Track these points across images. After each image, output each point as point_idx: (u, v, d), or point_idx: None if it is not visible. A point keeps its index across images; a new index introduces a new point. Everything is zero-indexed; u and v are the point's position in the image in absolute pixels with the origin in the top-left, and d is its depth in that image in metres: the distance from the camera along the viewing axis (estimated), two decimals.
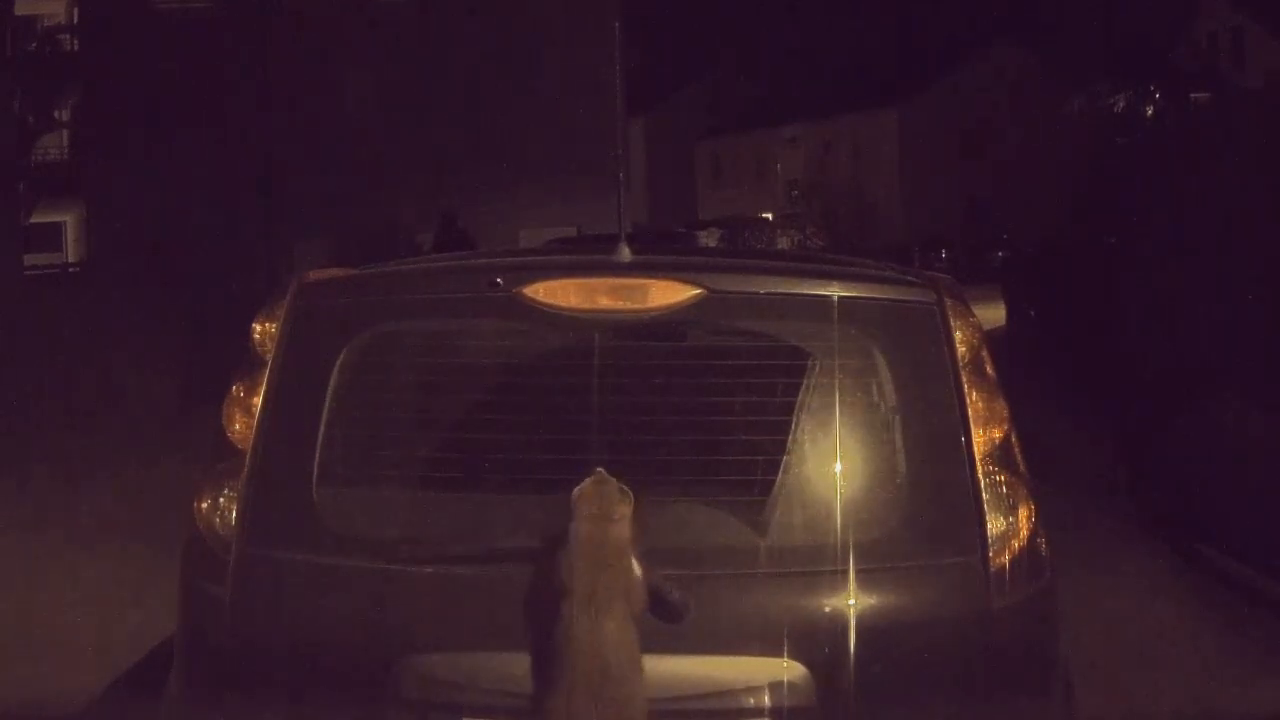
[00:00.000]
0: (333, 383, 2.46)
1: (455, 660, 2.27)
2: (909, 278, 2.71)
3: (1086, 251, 13.65)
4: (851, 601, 2.27)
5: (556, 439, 2.40)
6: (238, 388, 2.53)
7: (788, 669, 2.23)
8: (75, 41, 28.93)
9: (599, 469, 2.20)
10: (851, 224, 40.92)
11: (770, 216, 43.85)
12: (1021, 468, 2.45)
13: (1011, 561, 2.34)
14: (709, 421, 2.41)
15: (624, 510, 2.15)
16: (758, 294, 2.50)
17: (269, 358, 2.52)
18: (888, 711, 2.27)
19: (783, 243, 36.73)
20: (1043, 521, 2.42)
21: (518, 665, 2.25)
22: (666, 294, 2.45)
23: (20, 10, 25.13)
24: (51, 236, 28.52)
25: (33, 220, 26.35)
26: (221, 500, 2.46)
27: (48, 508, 7.40)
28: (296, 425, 2.45)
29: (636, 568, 2.16)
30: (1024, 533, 2.38)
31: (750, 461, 2.35)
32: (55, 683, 4.49)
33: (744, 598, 2.29)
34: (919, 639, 2.29)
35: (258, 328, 2.57)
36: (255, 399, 2.49)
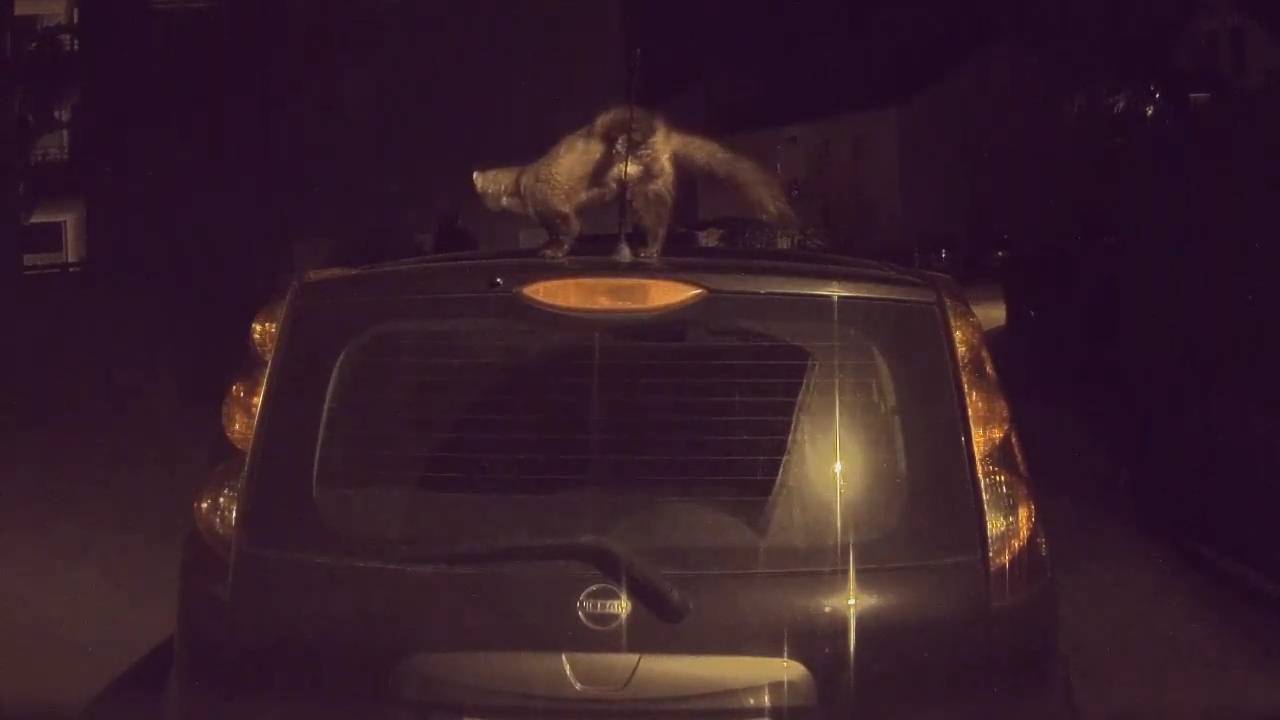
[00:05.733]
0: (333, 383, 2.46)
1: (455, 660, 2.27)
2: (909, 278, 2.71)
3: (1086, 251, 13.67)
4: (851, 601, 2.27)
5: (557, 439, 2.40)
6: (238, 388, 2.53)
7: (788, 669, 2.23)
8: (75, 41, 28.91)
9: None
10: (851, 224, 40.89)
11: None
12: (1021, 468, 2.45)
13: (1011, 561, 2.34)
14: (709, 421, 2.41)
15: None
16: (758, 294, 2.50)
17: (269, 358, 2.52)
18: (888, 711, 2.27)
19: (783, 243, 36.70)
20: (1043, 521, 2.42)
21: (518, 665, 2.26)
22: (666, 294, 2.45)
23: (20, 10, 25.13)
24: (51, 236, 28.47)
25: (33, 220, 26.32)
26: (221, 500, 2.45)
27: (47, 507, 7.40)
28: (296, 425, 2.45)
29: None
30: (1024, 533, 2.37)
31: (750, 461, 2.35)
32: (55, 683, 4.49)
33: (744, 598, 2.29)
34: (919, 639, 2.29)
35: (258, 328, 2.57)
36: (255, 399, 2.49)
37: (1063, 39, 37.89)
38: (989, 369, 2.50)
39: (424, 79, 24.29)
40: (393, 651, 2.28)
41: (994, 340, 2.66)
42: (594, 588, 2.25)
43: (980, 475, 2.36)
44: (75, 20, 28.86)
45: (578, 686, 2.23)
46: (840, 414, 2.37)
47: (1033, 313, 16.01)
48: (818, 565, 2.30)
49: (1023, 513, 2.39)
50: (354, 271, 2.79)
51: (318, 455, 2.42)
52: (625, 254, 2.65)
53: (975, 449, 2.38)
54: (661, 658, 2.23)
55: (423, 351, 2.55)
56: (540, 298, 2.45)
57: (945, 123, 43.78)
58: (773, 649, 2.23)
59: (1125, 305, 8.09)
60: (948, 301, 2.52)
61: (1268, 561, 5.61)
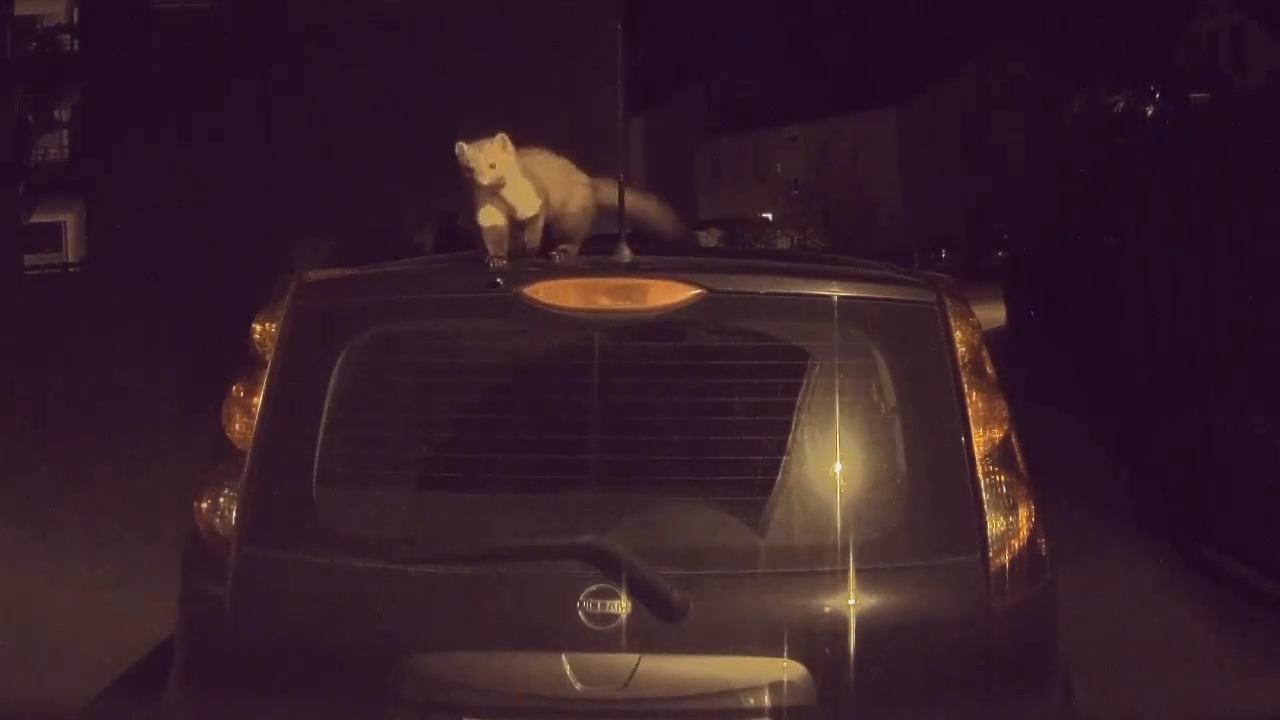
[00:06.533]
0: (332, 383, 2.46)
1: (455, 660, 2.27)
2: (909, 278, 2.71)
3: (1086, 251, 13.66)
4: (851, 601, 2.27)
5: (556, 439, 2.40)
6: (238, 388, 2.53)
7: (788, 669, 2.23)
8: (75, 41, 28.91)
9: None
10: (851, 224, 40.90)
11: (770, 216, 43.86)
12: (1021, 468, 2.45)
13: (1011, 561, 2.34)
14: (709, 421, 2.41)
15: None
16: (758, 294, 2.50)
17: (269, 358, 2.52)
18: (888, 711, 2.28)
19: (783, 243, 36.75)
20: (1043, 521, 2.42)
21: (518, 665, 2.26)
22: (666, 294, 2.45)
23: (20, 10, 25.13)
24: (51, 236, 28.47)
25: (33, 220, 26.33)
26: (221, 500, 2.45)
27: (47, 508, 7.40)
28: (296, 425, 2.45)
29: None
30: (1024, 533, 2.38)
31: (750, 461, 2.35)
32: (55, 683, 4.49)
33: (744, 598, 2.29)
34: (919, 639, 2.29)
35: (258, 328, 2.57)
36: (255, 399, 2.49)
37: (1063, 39, 37.92)
38: (989, 369, 2.50)
39: (424, 79, 24.27)
40: (393, 651, 2.28)
41: (994, 340, 2.66)
42: (594, 588, 2.25)
43: (980, 475, 2.37)
44: (75, 20, 28.85)
45: (578, 686, 2.23)
46: (840, 414, 2.38)
47: (1033, 313, 16.01)
48: (818, 565, 2.30)
49: (1023, 513, 2.39)
50: (354, 271, 2.80)
51: (318, 455, 2.42)
52: (625, 254, 2.66)
53: (975, 449, 2.38)
54: (661, 658, 2.23)
55: (423, 351, 2.56)
56: (540, 298, 2.45)
57: (945, 123, 43.79)
58: (773, 649, 2.24)
59: (1125, 305, 8.09)
60: (948, 301, 2.52)
61: (1268, 561, 5.60)
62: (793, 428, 2.36)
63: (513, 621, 2.28)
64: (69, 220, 29.18)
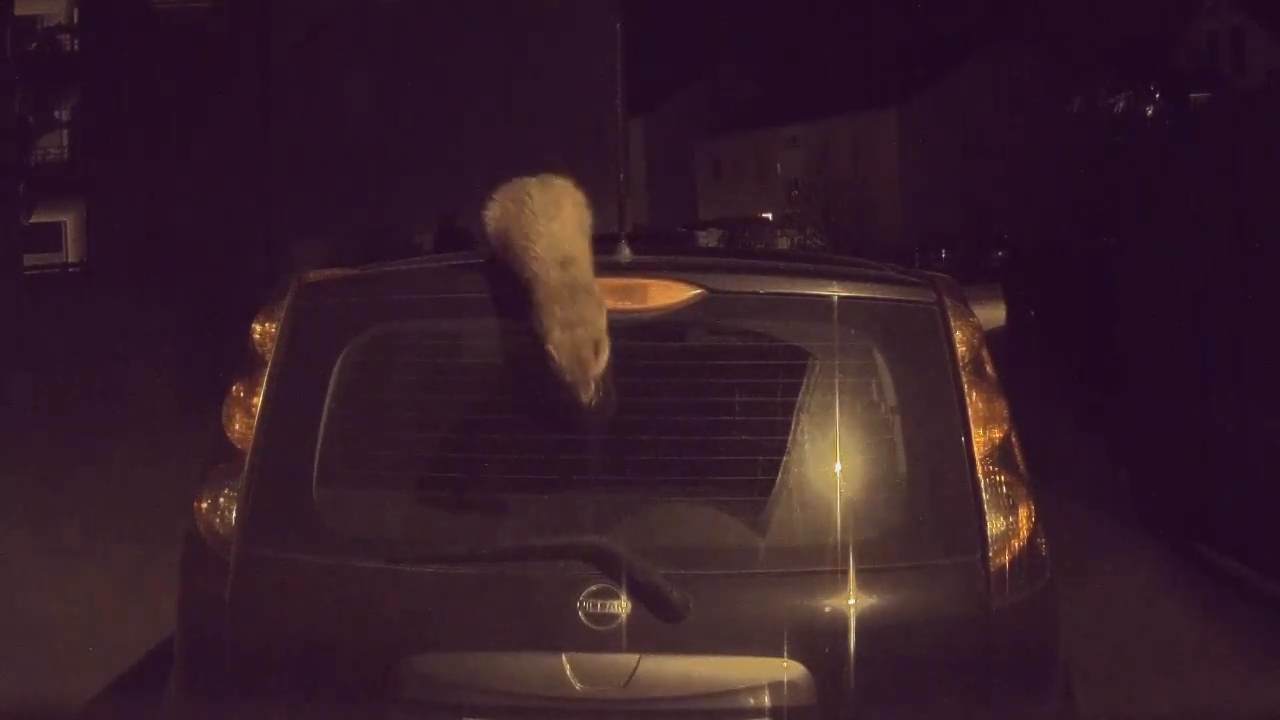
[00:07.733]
0: (333, 383, 2.46)
1: (455, 660, 2.27)
2: (909, 278, 2.71)
3: (1086, 251, 13.66)
4: (851, 601, 2.27)
5: (556, 439, 2.40)
6: (238, 388, 2.53)
7: (788, 669, 2.23)
8: (75, 41, 28.93)
9: None
10: (851, 224, 40.88)
11: (770, 216, 43.86)
12: (1021, 468, 2.45)
13: (1011, 561, 2.34)
14: (709, 421, 2.41)
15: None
16: (758, 294, 2.50)
17: (269, 358, 2.52)
18: (888, 711, 2.28)
19: (783, 243, 36.79)
20: (1043, 521, 2.42)
21: (518, 665, 2.26)
22: (666, 294, 2.45)
23: (20, 10, 25.13)
24: (51, 236, 28.49)
25: (33, 220, 26.34)
26: (221, 500, 2.45)
27: (47, 507, 7.40)
28: (296, 425, 2.45)
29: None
30: (1024, 533, 2.38)
31: (750, 461, 2.35)
32: (55, 683, 4.49)
33: (744, 598, 2.29)
34: (919, 639, 2.29)
35: (258, 328, 2.57)
36: (255, 399, 2.49)
37: (1063, 39, 37.95)
38: (989, 369, 2.50)
39: (424, 78, 24.27)
40: (392, 651, 2.28)
41: (994, 340, 2.66)
42: (594, 588, 2.25)
43: (980, 475, 2.37)
44: (75, 20, 28.86)
45: (578, 686, 2.23)
46: (840, 414, 2.37)
47: (1033, 313, 16.03)
48: (818, 565, 2.30)
49: (1023, 513, 2.39)
50: (354, 271, 2.79)
51: (318, 455, 2.42)
52: (626, 254, 2.65)
53: (975, 449, 2.38)
54: (662, 658, 2.23)
55: (423, 351, 2.55)
56: None
57: (945, 123, 43.79)
58: (773, 649, 2.24)
59: (1125, 305, 8.09)
60: (948, 301, 2.52)
61: (1268, 561, 5.61)
62: (793, 428, 2.36)
63: (513, 621, 2.28)
64: (69, 220, 29.20)
